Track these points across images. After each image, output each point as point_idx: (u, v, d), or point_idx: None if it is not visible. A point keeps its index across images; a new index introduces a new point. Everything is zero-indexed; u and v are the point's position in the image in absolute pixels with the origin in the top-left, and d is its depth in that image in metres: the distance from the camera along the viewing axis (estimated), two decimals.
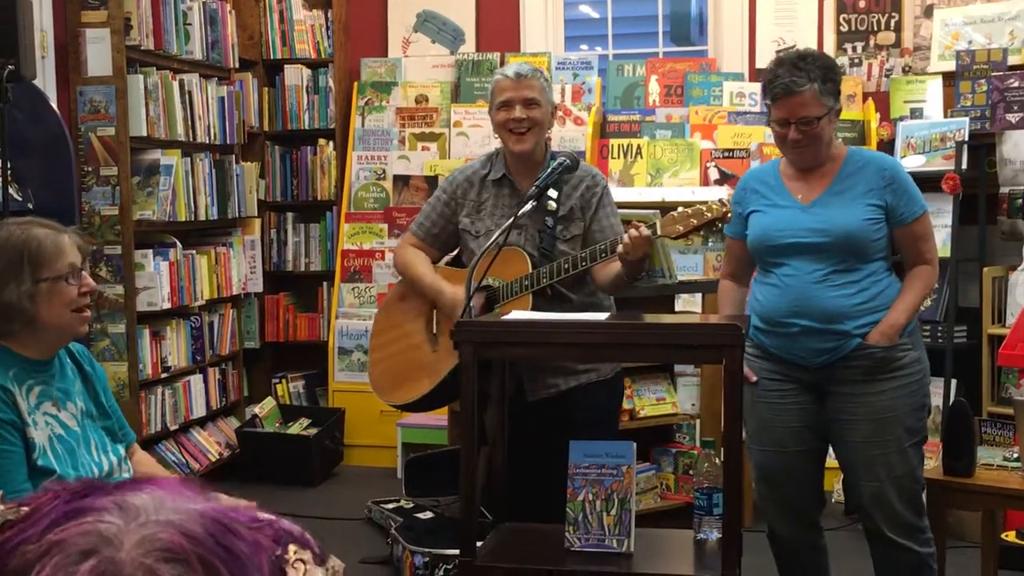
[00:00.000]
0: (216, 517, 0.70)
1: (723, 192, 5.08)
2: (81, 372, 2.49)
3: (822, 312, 2.95)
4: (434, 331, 3.35)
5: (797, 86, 2.91)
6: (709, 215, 2.86)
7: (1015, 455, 3.21)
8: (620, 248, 2.88)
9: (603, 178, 3.29)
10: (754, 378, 3.08)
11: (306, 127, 6.16)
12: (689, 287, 4.43)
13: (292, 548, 0.73)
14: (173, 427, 5.14)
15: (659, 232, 2.89)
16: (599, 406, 3.23)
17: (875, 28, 5.60)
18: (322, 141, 6.14)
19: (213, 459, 5.35)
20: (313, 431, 5.51)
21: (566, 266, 3.03)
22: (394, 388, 3.39)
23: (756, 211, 3.09)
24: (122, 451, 2.49)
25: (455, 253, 3.43)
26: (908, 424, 2.99)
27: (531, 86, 3.19)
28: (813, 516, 3.17)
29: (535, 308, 3.06)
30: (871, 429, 2.97)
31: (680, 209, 2.90)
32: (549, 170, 3.07)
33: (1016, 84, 4.78)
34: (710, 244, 5.57)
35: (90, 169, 4.71)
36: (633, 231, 2.85)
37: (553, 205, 3.14)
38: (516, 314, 2.93)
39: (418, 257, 3.37)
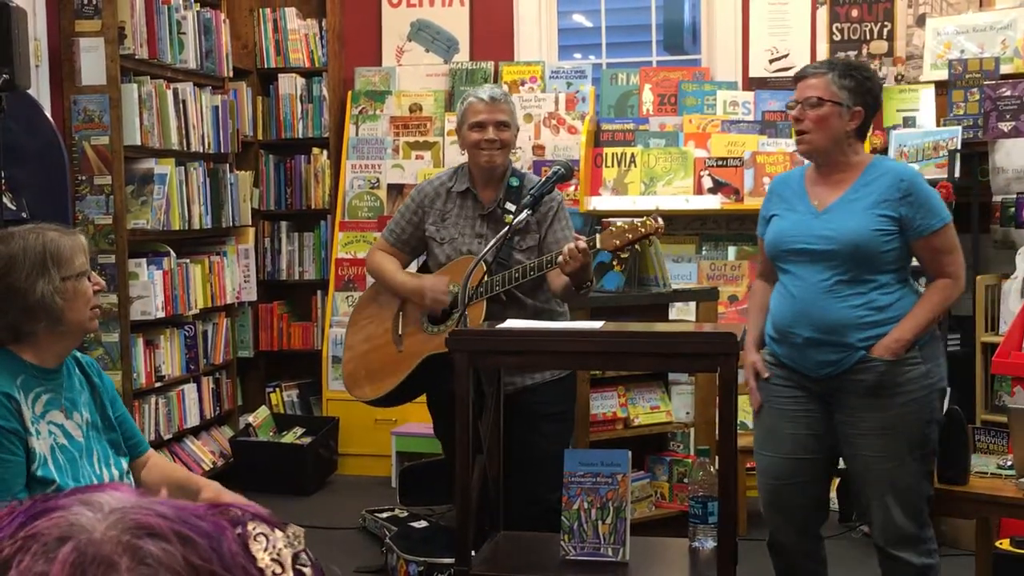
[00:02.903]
0: (177, 504, 0.74)
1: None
2: (89, 383, 2.50)
3: (825, 323, 2.93)
4: (399, 332, 3.65)
5: (812, 69, 3.06)
6: (643, 230, 3.09)
7: (1009, 463, 3.22)
8: (560, 259, 3.14)
9: (559, 194, 3.59)
10: (766, 373, 3.07)
11: (300, 136, 6.16)
12: (683, 295, 4.43)
13: (251, 525, 0.76)
14: (167, 436, 5.13)
15: (598, 245, 3.16)
16: (555, 402, 3.49)
17: (868, 37, 5.62)
18: (316, 150, 6.14)
19: (207, 468, 5.34)
20: (307, 440, 5.50)
21: (516, 275, 3.30)
22: (362, 384, 3.73)
23: (775, 215, 3.11)
24: (125, 465, 2.49)
25: (423, 261, 3.75)
26: (914, 438, 2.96)
27: (503, 110, 3.52)
28: (815, 526, 3.16)
29: (489, 313, 3.33)
30: (877, 443, 2.95)
31: (619, 223, 3.17)
32: (543, 179, 3.26)
33: (1008, 93, 4.79)
34: (703, 252, 5.58)
35: (84, 178, 4.71)
36: (569, 246, 3.11)
37: (510, 218, 3.35)
38: (511, 323, 2.94)
39: (388, 260, 3.69)
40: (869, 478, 2.99)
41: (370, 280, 5.79)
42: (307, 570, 0.78)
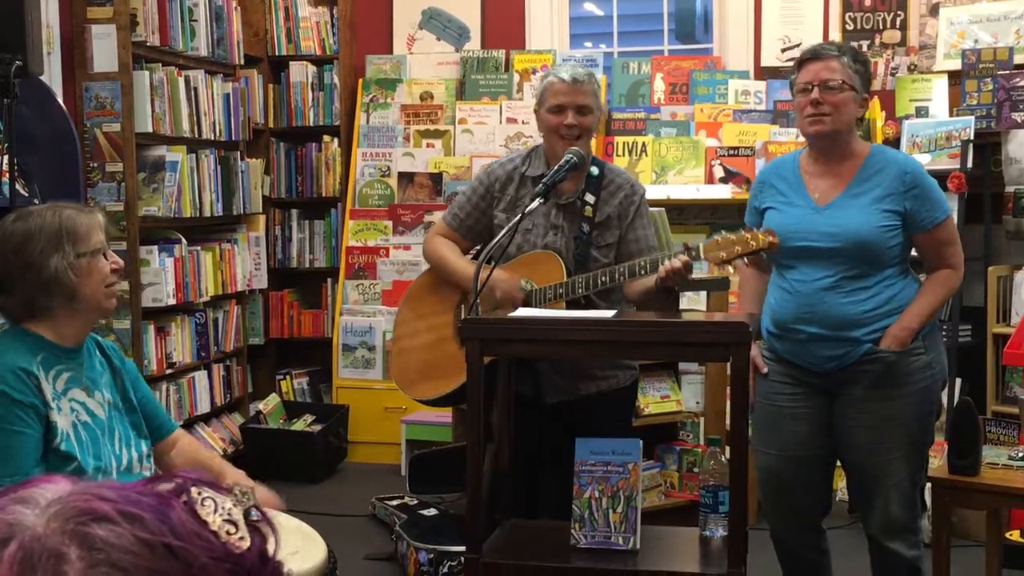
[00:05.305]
0: (114, 484, 0.72)
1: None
2: (110, 366, 2.52)
3: (830, 320, 2.89)
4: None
5: (825, 51, 2.94)
6: (754, 244, 2.81)
7: (1020, 454, 3.21)
8: (662, 272, 2.89)
9: (642, 188, 3.29)
10: (764, 369, 3.04)
11: (311, 124, 6.16)
12: (693, 285, 4.43)
13: (195, 490, 0.75)
14: (177, 423, 5.13)
15: (702, 256, 2.88)
16: (616, 413, 3.25)
17: (881, 26, 5.60)
18: (327, 138, 6.14)
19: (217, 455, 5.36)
20: (317, 427, 5.51)
21: (603, 279, 3.02)
22: (419, 382, 3.36)
23: (771, 208, 3.02)
24: (145, 448, 2.50)
25: (478, 248, 3.40)
26: (913, 431, 2.94)
27: (586, 92, 3.17)
28: (816, 520, 3.15)
29: None
30: (875, 435, 2.93)
31: (724, 234, 2.88)
32: (555, 168, 3.06)
33: (1022, 83, 4.77)
34: None
35: (96, 165, 4.72)
36: (675, 264, 2.86)
37: (590, 211, 3.15)
38: (523, 311, 2.93)
39: (449, 247, 3.33)
40: (869, 469, 2.96)
41: (382, 268, 5.83)
42: (261, 524, 0.77)
